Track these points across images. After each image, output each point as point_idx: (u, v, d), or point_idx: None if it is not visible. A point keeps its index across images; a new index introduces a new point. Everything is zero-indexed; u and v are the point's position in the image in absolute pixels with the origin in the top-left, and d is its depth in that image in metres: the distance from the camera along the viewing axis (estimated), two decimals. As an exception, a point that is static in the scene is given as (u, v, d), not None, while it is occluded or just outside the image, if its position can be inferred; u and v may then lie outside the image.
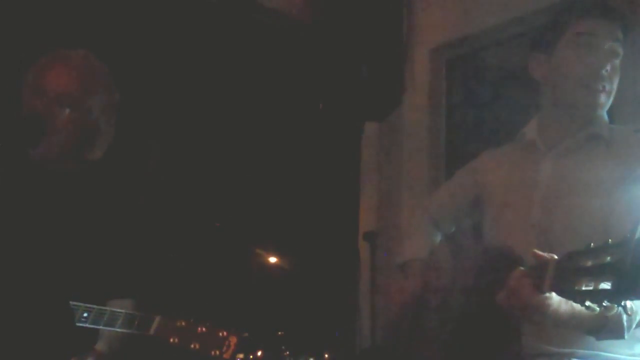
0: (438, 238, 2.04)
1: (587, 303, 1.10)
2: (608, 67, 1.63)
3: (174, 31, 3.03)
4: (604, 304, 1.07)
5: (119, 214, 1.95)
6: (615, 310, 1.10)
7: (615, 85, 1.67)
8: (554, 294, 1.26)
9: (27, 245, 1.72)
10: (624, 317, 1.36)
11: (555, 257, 1.22)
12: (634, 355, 1.51)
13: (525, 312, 1.31)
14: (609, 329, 1.38)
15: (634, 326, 1.39)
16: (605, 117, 1.72)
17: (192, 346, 1.80)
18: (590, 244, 1.12)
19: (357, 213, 3.56)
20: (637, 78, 2.42)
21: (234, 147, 3.51)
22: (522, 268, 1.34)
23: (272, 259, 3.92)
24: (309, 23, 3.33)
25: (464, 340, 1.63)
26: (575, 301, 1.15)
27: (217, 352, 1.80)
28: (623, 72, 1.69)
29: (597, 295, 1.08)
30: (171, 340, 1.80)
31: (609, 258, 1.07)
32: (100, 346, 1.87)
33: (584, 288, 1.10)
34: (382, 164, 3.56)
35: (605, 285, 1.06)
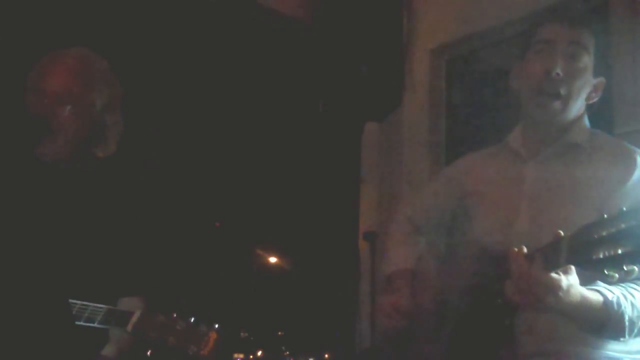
0: (422, 244, 2.00)
1: (606, 271, 1.12)
2: (559, 70, 1.61)
3: (174, 31, 3.04)
4: (624, 268, 1.10)
5: (129, 212, 1.93)
6: (635, 274, 1.11)
7: (575, 91, 1.64)
8: (563, 276, 1.27)
9: (36, 245, 1.70)
10: (626, 317, 1.37)
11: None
12: (629, 353, 1.50)
13: (537, 293, 1.29)
14: (611, 327, 1.38)
15: (635, 331, 1.39)
16: (584, 123, 1.71)
17: (169, 341, 1.72)
18: (604, 215, 1.15)
19: (357, 213, 3.56)
20: (637, 78, 2.42)
21: (234, 147, 3.52)
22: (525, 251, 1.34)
23: (272, 259, 3.93)
24: (308, 23, 3.33)
25: (459, 341, 1.62)
26: (593, 270, 1.16)
27: (195, 348, 1.72)
28: (623, 72, 1.68)
29: (616, 261, 1.11)
30: (149, 335, 1.73)
31: (623, 225, 1.10)
32: (107, 350, 1.81)
33: (601, 256, 1.13)
34: (382, 164, 3.56)
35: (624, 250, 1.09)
